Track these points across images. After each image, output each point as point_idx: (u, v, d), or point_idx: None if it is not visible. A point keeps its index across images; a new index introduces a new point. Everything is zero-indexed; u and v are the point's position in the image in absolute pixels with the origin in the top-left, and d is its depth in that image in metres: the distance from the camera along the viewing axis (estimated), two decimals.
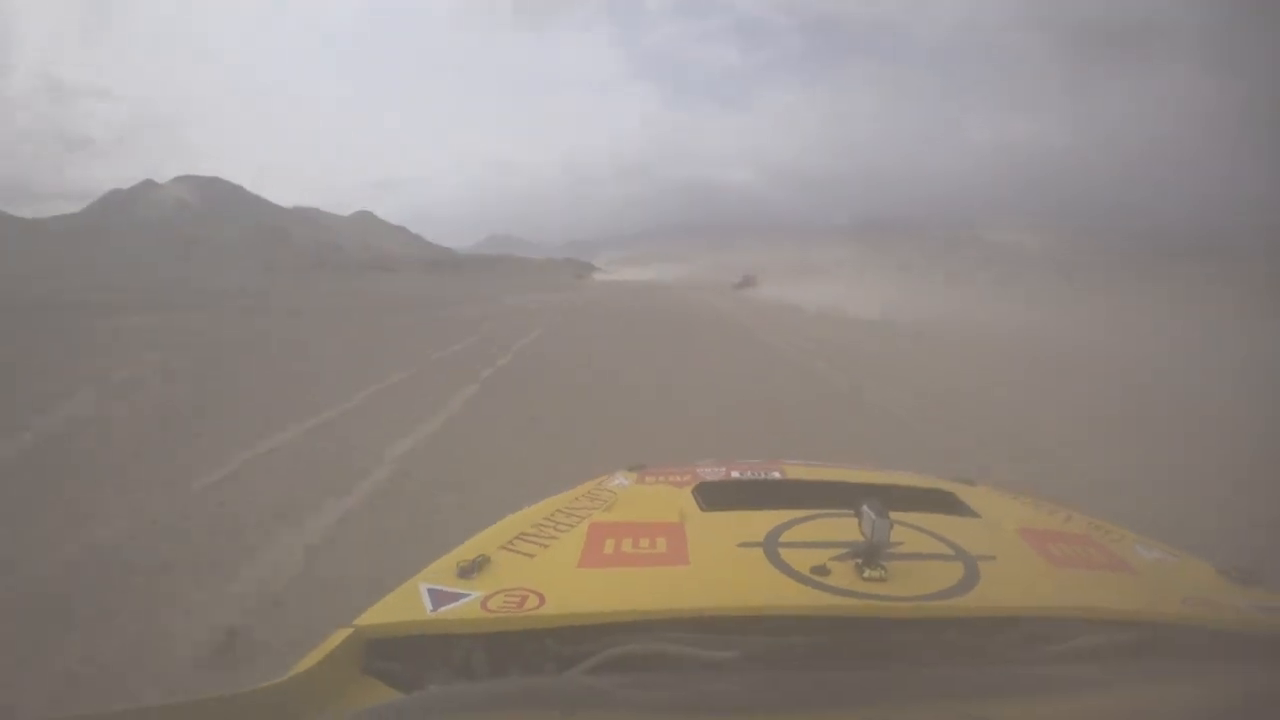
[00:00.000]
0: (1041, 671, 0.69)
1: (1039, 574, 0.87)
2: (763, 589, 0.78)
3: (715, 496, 1.11)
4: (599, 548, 0.90)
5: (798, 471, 1.31)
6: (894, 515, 0.79)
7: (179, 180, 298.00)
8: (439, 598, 0.79)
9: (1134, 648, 0.73)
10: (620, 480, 1.28)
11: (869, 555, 0.79)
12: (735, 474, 1.28)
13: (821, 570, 0.80)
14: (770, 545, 0.87)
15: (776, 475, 1.28)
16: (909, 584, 0.78)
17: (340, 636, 0.73)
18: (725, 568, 0.86)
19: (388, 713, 0.63)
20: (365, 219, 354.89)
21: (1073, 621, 0.76)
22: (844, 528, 0.85)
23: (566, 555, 0.90)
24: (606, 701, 0.61)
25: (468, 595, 0.79)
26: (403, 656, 0.75)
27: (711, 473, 1.27)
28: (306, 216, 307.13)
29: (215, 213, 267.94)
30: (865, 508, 0.79)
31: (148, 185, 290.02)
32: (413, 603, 0.79)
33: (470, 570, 0.85)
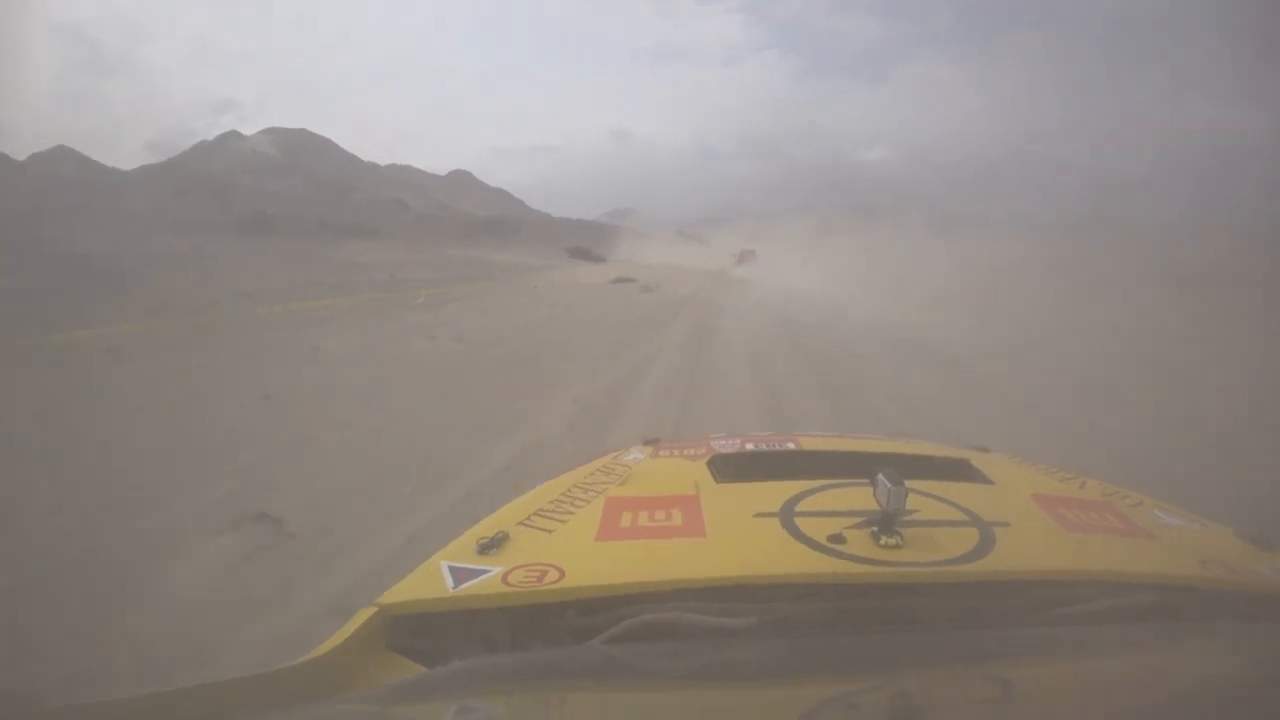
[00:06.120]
0: (1058, 634, 0.71)
1: (1054, 539, 0.88)
2: (779, 558, 0.81)
3: (730, 469, 1.14)
4: (616, 521, 0.93)
5: (812, 443, 1.34)
6: (909, 483, 0.81)
7: (265, 132, 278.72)
8: (460, 574, 0.82)
9: (1151, 610, 0.74)
10: (635, 454, 1.31)
11: (884, 523, 0.81)
12: (750, 446, 1.31)
13: (838, 539, 0.82)
14: (786, 515, 0.90)
15: (791, 446, 1.31)
16: (925, 550, 0.80)
17: (364, 615, 0.76)
18: (742, 538, 0.88)
19: (413, 687, 0.66)
20: (462, 179, 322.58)
21: (1088, 585, 0.77)
22: (859, 497, 0.88)
23: (584, 529, 0.92)
24: (627, 670, 0.64)
25: (488, 571, 0.81)
26: (426, 633, 0.79)
27: (726, 445, 1.30)
28: (396, 174, 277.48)
29: (294, 165, 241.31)
30: (880, 476, 0.81)
31: (232, 136, 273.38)
32: (434, 580, 0.82)
33: (490, 547, 0.87)
